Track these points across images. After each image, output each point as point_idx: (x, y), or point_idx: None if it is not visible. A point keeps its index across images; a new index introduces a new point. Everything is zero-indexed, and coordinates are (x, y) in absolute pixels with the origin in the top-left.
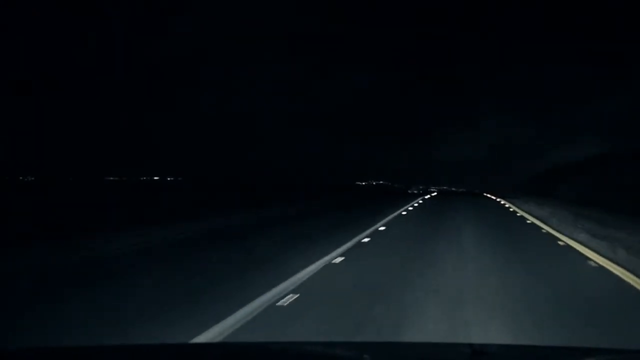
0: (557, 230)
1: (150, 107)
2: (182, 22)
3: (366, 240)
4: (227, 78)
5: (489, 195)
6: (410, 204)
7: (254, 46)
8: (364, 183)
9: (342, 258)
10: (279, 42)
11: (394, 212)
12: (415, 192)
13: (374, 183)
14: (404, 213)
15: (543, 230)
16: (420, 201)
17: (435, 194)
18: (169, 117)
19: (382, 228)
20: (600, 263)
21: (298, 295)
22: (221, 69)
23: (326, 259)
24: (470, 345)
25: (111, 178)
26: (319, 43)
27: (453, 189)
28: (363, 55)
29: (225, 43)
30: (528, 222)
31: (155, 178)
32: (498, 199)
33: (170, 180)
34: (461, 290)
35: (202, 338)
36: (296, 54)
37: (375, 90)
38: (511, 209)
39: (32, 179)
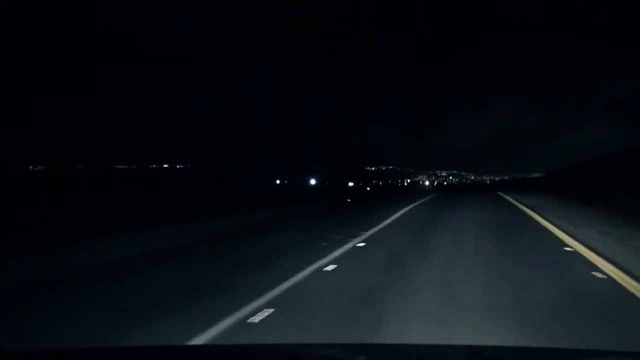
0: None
1: (153, 96)
2: (182, 13)
3: None
4: (227, 67)
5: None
6: None
7: (255, 34)
8: (373, 169)
9: None
10: (281, 29)
11: None
12: (427, 186)
13: (384, 168)
14: None
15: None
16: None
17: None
18: (172, 106)
19: None
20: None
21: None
22: (222, 57)
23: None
24: (470, 347)
25: (120, 166)
26: (326, 27)
27: (464, 174)
28: (371, 41)
29: (225, 32)
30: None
31: (165, 166)
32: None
33: (179, 167)
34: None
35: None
36: (300, 41)
37: (385, 76)
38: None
39: (42, 168)
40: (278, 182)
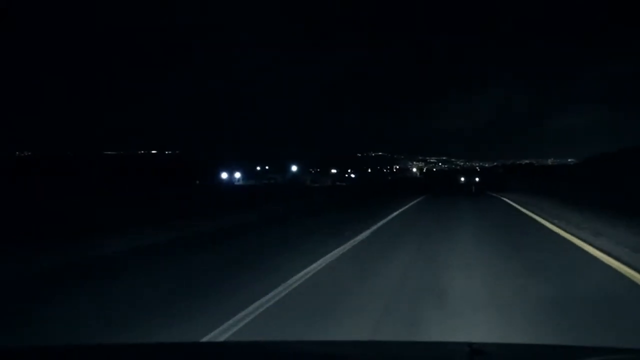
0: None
1: (146, 86)
2: (181, 12)
3: None
4: (221, 58)
5: None
6: None
7: (255, 22)
8: (364, 154)
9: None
10: (272, 16)
11: None
12: (415, 173)
13: (373, 154)
14: None
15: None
16: None
17: None
18: (161, 92)
19: None
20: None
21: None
22: (219, 43)
23: None
24: (469, 344)
25: (109, 152)
26: (321, 11)
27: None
28: (364, 26)
29: (225, 18)
30: None
31: (153, 152)
32: None
33: (168, 154)
34: None
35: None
36: (296, 22)
37: (376, 61)
38: None
39: (29, 154)
40: (259, 168)
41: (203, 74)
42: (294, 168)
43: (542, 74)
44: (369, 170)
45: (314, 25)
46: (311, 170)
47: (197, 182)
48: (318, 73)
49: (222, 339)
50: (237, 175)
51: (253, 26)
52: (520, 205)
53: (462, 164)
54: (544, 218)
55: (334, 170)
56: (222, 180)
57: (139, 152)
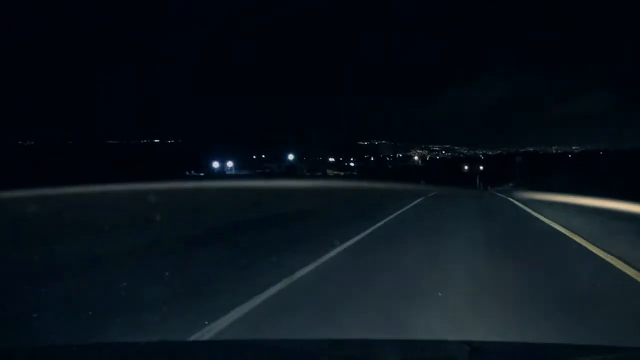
0: None
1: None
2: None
3: None
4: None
5: None
6: None
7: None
8: (366, 143)
9: None
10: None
11: None
12: (417, 161)
13: (376, 142)
14: None
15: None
16: None
17: None
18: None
19: None
20: None
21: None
22: (221, 27)
23: None
24: (469, 342)
25: (111, 142)
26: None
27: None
28: (370, 11)
29: (225, 9)
30: None
31: (156, 141)
32: None
33: (171, 142)
34: None
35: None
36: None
37: (381, 48)
38: None
39: (32, 143)
40: (254, 157)
41: (204, 61)
42: (291, 157)
43: (543, 62)
44: (372, 159)
45: (310, 13)
46: (311, 159)
47: (187, 172)
48: (319, 59)
49: None
50: (229, 164)
51: (255, 16)
52: None
53: (465, 152)
54: None
55: (331, 159)
56: (213, 170)
57: (141, 142)
